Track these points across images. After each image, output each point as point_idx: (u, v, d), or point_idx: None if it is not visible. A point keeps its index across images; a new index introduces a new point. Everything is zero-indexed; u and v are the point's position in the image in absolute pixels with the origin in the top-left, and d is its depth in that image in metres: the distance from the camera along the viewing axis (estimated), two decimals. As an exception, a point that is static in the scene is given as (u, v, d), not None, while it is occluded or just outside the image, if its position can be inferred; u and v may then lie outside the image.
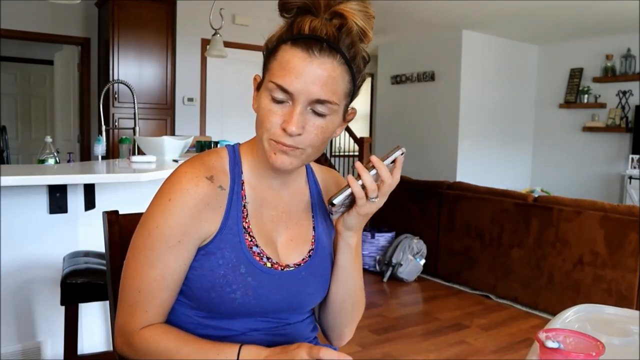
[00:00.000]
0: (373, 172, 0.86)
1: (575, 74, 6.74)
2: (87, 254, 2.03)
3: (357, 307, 1.06)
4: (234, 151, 0.96)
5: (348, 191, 0.87)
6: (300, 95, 0.82)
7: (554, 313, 3.12)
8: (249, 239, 0.91)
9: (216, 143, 3.56)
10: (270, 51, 0.87)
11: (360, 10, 0.86)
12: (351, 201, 0.89)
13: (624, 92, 6.30)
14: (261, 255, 0.92)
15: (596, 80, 6.49)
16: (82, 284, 1.76)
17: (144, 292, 0.88)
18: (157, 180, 2.52)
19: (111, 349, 2.19)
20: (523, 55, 7.02)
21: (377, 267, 4.40)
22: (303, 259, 0.97)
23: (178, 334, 0.88)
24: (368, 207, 0.88)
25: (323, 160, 6.63)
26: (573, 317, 1.08)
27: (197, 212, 0.87)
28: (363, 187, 0.86)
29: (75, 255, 2.01)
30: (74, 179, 2.11)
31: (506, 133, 6.97)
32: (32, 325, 2.24)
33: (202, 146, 3.48)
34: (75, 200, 2.28)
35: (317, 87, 0.82)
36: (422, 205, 4.51)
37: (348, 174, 0.92)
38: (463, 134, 6.48)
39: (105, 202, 2.40)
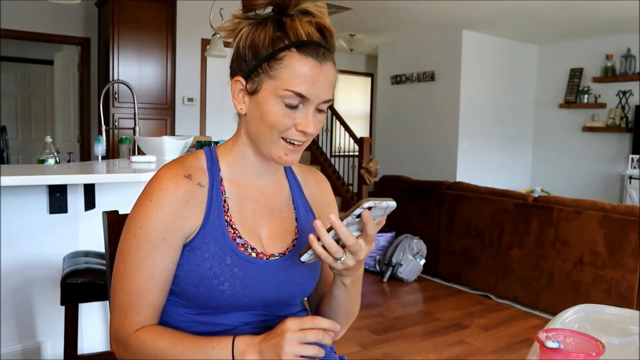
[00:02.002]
0: (331, 233, 0.81)
1: (575, 74, 6.74)
2: (87, 254, 2.03)
3: (350, 318, 1.08)
4: (210, 152, 1.00)
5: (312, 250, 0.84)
6: (315, 99, 0.89)
7: (554, 313, 3.12)
8: (232, 232, 0.94)
9: (216, 143, 3.56)
10: (267, 57, 0.88)
11: (324, 7, 0.92)
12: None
13: (624, 92, 6.30)
14: (245, 246, 0.95)
15: (596, 80, 6.49)
16: (82, 284, 1.76)
17: (135, 294, 0.90)
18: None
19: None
20: (523, 55, 7.02)
21: (377, 267, 4.40)
22: (287, 248, 1.00)
23: (172, 333, 0.89)
24: (341, 265, 0.86)
25: (323, 160, 6.63)
26: (573, 317, 1.08)
27: (178, 210, 0.90)
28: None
29: (75, 255, 2.01)
30: (74, 179, 2.11)
31: (506, 133, 6.97)
32: (32, 325, 2.24)
33: (202, 146, 3.48)
34: (75, 200, 2.28)
35: (326, 89, 0.90)
36: (422, 205, 4.51)
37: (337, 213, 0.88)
38: (463, 134, 6.48)
39: (105, 202, 2.39)
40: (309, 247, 0.84)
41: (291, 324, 0.80)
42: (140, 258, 0.89)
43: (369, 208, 0.80)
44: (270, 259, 0.96)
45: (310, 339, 0.80)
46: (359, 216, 0.81)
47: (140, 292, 0.89)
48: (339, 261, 0.85)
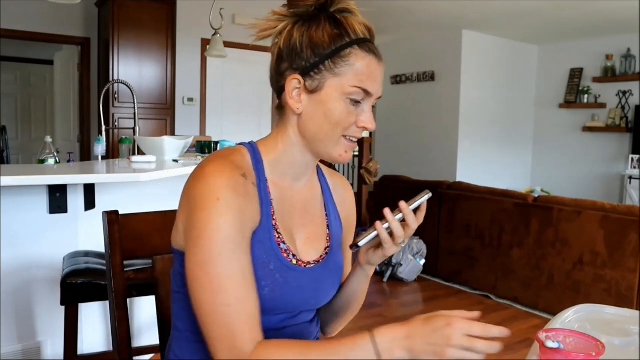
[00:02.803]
0: (399, 216, 0.89)
1: (575, 74, 6.74)
2: (87, 254, 2.03)
3: (355, 312, 1.09)
4: (253, 149, 0.94)
5: (374, 234, 0.90)
6: (375, 95, 0.90)
7: (554, 313, 3.11)
8: (277, 236, 0.92)
9: (216, 143, 3.55)
10: (331, 54, 0.87)
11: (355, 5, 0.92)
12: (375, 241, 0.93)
13: (624, 92, 6.30)
14: (288, 252, 0.92)
15: (596, 80, 6.49)
16: (82, 284, 1.76)
17: (235, 303, 0.79)
18: (157, 181, 2.52)
19: (111, 348, 2.19)
20: (523, 55, 7.02)
21: (377, 267, 4.40)
22: (320, 256, 0.98)
23: (296, 343, 0.81)
24: (395, 249, 0.91)
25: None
26: (573, 317, 1.08)
27: (244, 209, 0.85)
28: (389, 232, 0.89)
29: (75, 255, 2.01)
30: (74, 179, 2.11)
31: (506, 133, 6.97)
32: (32, 325, 2.24)
33: (202, 146, 3.48)
34: (75, 200, 2.28)
35: (381, 86, 0.92)
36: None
37: (378, 220, 0.90)
38: (463, 134, 6.48)
39: (105, 202, 2.39)
40: (369, 232, 0.90)
41: (459, 327, 0.73)
42: (225, 262, 0.79)
43: (428, 198, 0.92)
44: (307, 266, 0.94)
45: (478, 349, 0.72)
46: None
47: (239, 299, 0.79)
48: (400, 244, 0.90)
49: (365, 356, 0.75)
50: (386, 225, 0.88)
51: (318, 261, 0.97)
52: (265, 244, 0.89)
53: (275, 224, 0.92)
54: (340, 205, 1.07)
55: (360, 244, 0.90)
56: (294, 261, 0.93)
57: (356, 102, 0.88)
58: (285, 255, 0.91)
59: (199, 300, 0.80)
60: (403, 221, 0.89)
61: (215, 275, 0.79)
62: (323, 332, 1.12)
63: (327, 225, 1.02)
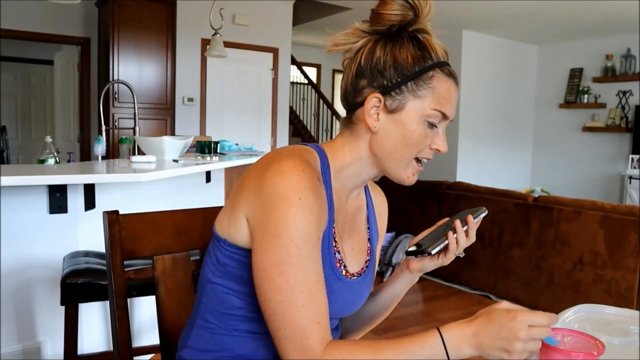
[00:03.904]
0: (464, 228, 0.97)
1: (575, 74, 6.74)
2: (87, 254, 2.03)
3: (382, 319, 1.12)
4: (323, 155, 0.92)
5: (445, 243, 0.96)
6: (451, 119, 0.91)
7: (554, 313, 3.11)
8: (334, 245, 0.91)
9: (216, 143, 3.55)
10: (414, 75, 0.87)
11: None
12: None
13: (624, 92, 6.30)
14: (341, 262, 0.93)
15: (596, 80, 6.50)
16: (82, 284, 1.76)
17: (309, 303, 0.79)
18: (157, 181, 2.52)
19: (111, 349, 2.19)
20: (523, 55, 7.02)
21: (377, 267, 4.39)
22: (362, 269, 0.98)
23: (366, 343, 0.81)
24: (452, 259, 0.98)
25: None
26: (573, 317, 1.09)
27: (321, 211, 0.83)
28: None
29: (75, 255, 2.01)
30: (74, 179, 2.11)
31: (506, 133, 6.97)
32: (32, 325, 2.24)
33: (202, 146, 3.48)
34: (75, 200, 2.28)
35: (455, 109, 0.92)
36: (422, 205, 4.51)
37: (447, 230, 0.97)
38: (463, 134, 6.48)
39: (105, 202, 2.39)
40: (439, 242, 0.95)
41: (523, 319, 0.74)
42: (302, 263, 0.79)
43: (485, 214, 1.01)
44: (351, 278, 0.94)
45: (537, 336, 0.74)
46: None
47: (313, 299, 0.79)
48: (459, 254, 0.97)
49: (435, 353, 0.76)
50: (455, 235, 0.95)
51: (360, 274, 0.97)
52: (324, 251, 0.87)
53: (334, 232, 0.91)
54: (379, 219, 1.07)
55: (433, 252, 0.94)
56: (344, 272, 0.93)
57: (432, 125, 0.88)
58: (338, 265, 0.91)
59: (272, 300, 0.79)
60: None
61: (292, 276, 0.78)
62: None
63: (368, 238, 1.02)
